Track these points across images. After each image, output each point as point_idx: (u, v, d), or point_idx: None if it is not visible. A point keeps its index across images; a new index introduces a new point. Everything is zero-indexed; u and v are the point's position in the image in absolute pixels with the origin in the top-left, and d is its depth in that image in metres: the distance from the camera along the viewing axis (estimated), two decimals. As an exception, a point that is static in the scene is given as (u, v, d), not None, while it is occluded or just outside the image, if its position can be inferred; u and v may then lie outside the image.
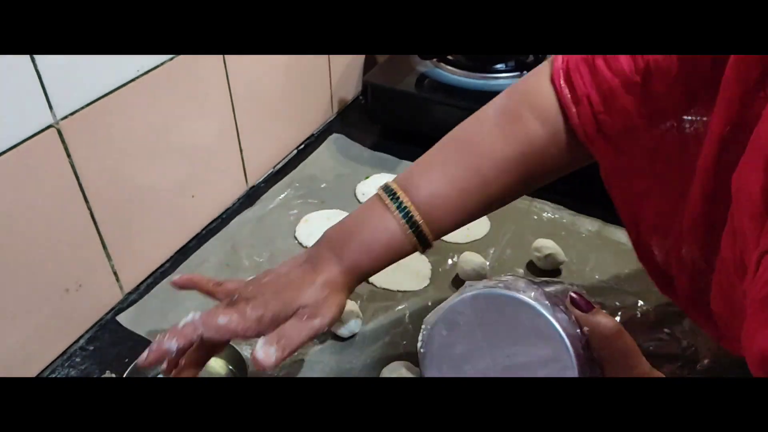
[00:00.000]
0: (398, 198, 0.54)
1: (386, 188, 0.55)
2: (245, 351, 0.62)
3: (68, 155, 0.60)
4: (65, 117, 0.58)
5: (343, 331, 0.65)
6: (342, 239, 0.55)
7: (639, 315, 0.68)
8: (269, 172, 0.92)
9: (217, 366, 0.62)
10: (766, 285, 0.36)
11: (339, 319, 0.55)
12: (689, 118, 0.49)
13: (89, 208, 0.63)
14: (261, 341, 0.50)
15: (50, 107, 0.57)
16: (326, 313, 0.52)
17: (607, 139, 0.51)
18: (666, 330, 0.66)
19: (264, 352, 0.49)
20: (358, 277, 0.55)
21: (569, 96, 0.51)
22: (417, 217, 0.53)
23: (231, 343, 0.60)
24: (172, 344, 0.50)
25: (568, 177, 0.88)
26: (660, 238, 0.55)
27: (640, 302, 0.69)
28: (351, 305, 0.66)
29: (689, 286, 0.53)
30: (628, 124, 0.50)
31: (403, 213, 0.53)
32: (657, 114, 0.50)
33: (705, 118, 0.48)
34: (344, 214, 0.82)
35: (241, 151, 0.85)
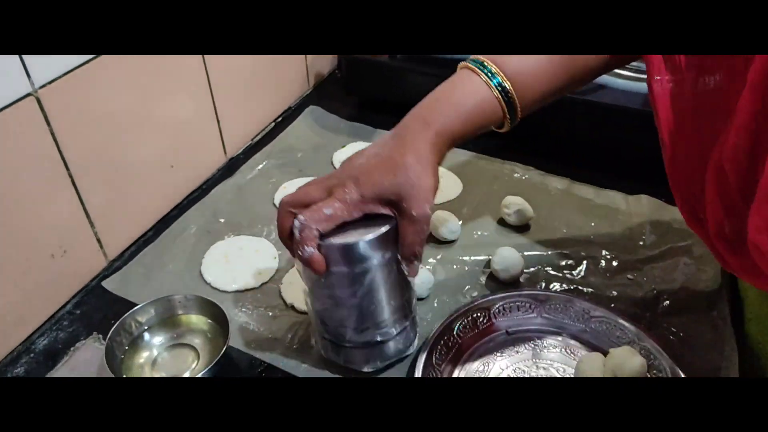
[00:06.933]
0: (486, 66, 0.54)
1: (472, 60, 0.55)
2: (232, 313, 0.64)
3: (48, 123, 0.62)
4: (43, 86, 0.60)
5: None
6: (429, 105, 0.55)
7: (603, 263, 0.71)
8: (247, 144, 0.94)
9: (200, 323, 0.64)
10: None
11: (435, 192, 0.54)
12: None
13: (70, 176, 0.66)
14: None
15: (28, 75, 0.58)
16: (424, 196, 0.52)
17: None
18: (628, 276, 0.69)
19: (409, 271, 0.55)
20: (448, 141, 0.54)
21: None
22: (507, 84, 0.54)
23: (214, 301, 0.63)
24: (310, 250, 0.52)
25: (536, 138, 0.91)
26: (696, 162, 0.54)
27: (604, 251, 0.72)
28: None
29: (722, 216, 0.52)
30: None
31: (494, 81, 0.54)
32: None
33: None
34: (322, 180, 0.85)
35: (218, 123, 0.87)
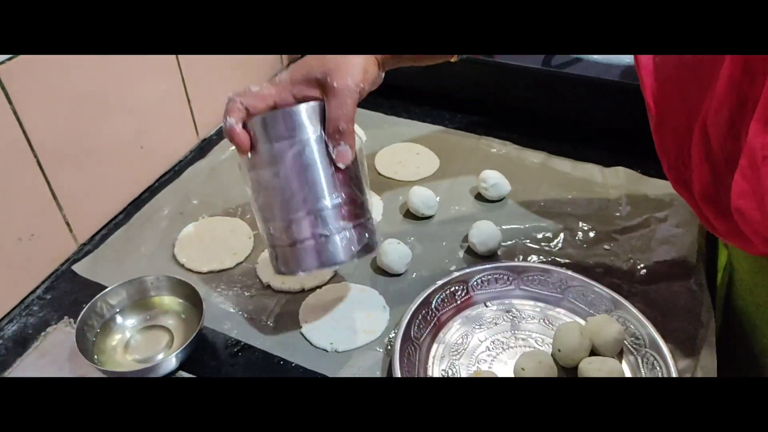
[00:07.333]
0: None
1: None
2: (207, 294, 0.63)
3: (9, 102, 0.60)
4: (3, 62, 0.58)
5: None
6: None
7: (580, 235, 0.71)
8: (220, 125, 0.92)
9: (173, 304, 0.63)
10: None
11: (366, 79, 0.53)
12: None
13: (36, 157, 0.64)
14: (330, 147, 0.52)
15: (-15, 52, 0.57)
16: (348, 70, 0.52)
17: None
18: (605, 246, 0.69)
19: (337, 155, 0.52)
20: None
21: None
22: None
23: (188, 282, 0.62)
24: (231, 121, 0.52)
25: (513, 112, 0.91)
26: (682, 127, 0.54)
27: (581, 223, 0.72)
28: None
29: (710, 180, 0.53)
30: None
31: None
32: None
33: None
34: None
35: (189, 104, 0.85)
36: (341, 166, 0.53)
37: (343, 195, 0.53)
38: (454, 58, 0.59)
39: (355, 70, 0.52)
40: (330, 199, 0.52)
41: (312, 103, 0.52)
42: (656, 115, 0.56)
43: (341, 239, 0.53)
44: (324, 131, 0.52)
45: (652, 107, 0.56)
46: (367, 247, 0.55)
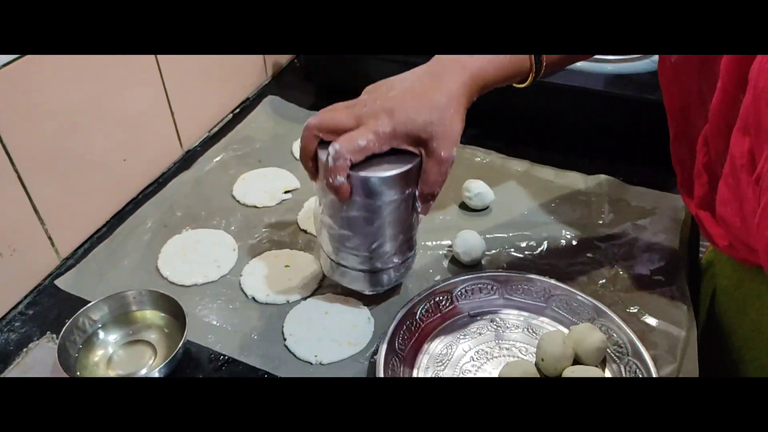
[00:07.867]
0: None
1: None
2: (191, 307, 0.63)
3: (-12, 116, 0.59)
4: (-19, 76, 0.58)
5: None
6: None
7: (563, 243, 0.71)
8: (205, 137, 0.92)
9: (156, 318, 0.63)
10: None
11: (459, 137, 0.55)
12: None
13: (16, 171, 0.63)
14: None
15: (-36, 66, 0.56)
16: (452, 138, 0.53)
17: None
18: (588, 254, 0.70)
19: (423, 209, 0.58)
20: (480, 86, 0.55)
21: None
22: None
23: (170, 294, 0.62)
24: (341, 179, 0.53)
25: (497, 122, 0.91)
26: (695, 137, 0.56)
27: (564, 231, 0.73)
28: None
29: (708, 189, 0.55)
30: None
31: None
32: None
33: None
34: (281, 171, 0.84)
35: (173, 116, 0.85)
36: (421, 218, 0.59)
37: (407, 238, 0.60)
38: (527, 83, 0.59)
39: (457, 136, 0.54)
40: (401, 244, 0.60)
41: (410, 167, 0.54)
42: (675, 126, 0.58)
43: (401, 269, 0.63)
44: (416, 188, 0.56)
45: (672, 120, 0.58)
46: (402, 278, 0.65)
